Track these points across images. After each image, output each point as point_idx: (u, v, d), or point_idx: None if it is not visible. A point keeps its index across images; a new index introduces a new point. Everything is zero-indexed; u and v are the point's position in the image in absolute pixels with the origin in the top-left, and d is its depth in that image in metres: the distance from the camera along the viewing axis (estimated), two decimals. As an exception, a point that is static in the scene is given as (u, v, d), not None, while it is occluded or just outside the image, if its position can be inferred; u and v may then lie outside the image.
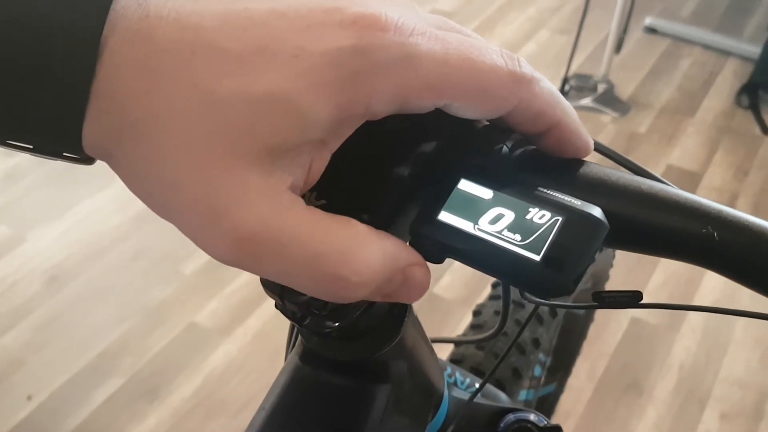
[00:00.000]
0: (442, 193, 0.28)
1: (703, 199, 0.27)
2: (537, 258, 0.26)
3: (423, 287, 0.28)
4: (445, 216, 0.27)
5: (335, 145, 0.26)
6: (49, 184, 1.85)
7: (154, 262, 1.66)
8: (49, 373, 1.44)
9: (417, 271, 0.27)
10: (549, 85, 0.28)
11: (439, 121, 0.27)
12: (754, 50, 2.29)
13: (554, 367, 1.00)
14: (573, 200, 0.27)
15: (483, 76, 0.25)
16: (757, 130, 2.11)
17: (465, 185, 0.28)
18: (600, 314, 1.18)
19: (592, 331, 1.18)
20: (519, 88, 0.26)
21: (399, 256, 0.27)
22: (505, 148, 0.29)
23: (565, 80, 2.13)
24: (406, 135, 0.29)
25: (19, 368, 1.45)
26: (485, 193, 0.27)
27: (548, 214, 0.26)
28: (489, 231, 0.27)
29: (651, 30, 2.50)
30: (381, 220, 0.28)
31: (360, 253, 0.25)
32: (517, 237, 0.26)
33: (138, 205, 0.27)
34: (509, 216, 0.27)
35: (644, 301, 0.35)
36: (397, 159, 0.29)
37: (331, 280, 0.25)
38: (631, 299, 0.34)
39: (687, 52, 2.42)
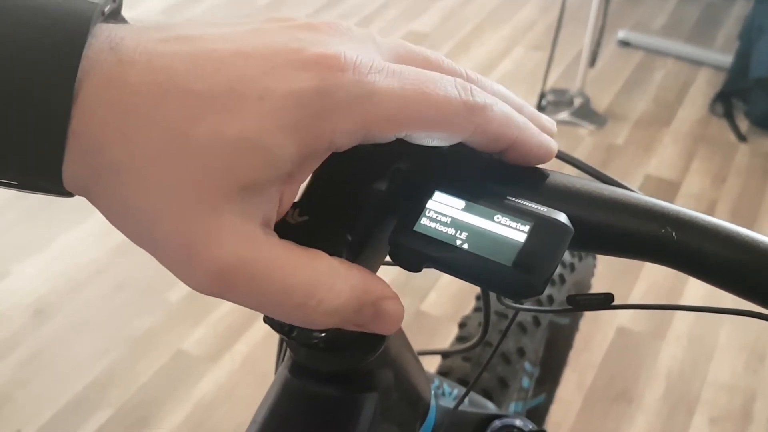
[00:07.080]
0: (418, 205, 0.29)
1: (662, 201, 0.29)
2: (508, 263, 0.27)
3: (396, 319, 0.29)
4: (421, 227, 0.29)
5: (303, 177, 0.27)
6: (29, 218, 1.84)
7: (138, 292, 1.65)
8: (36, 407, 1.43)
9: (388, 304, 0.28)
10: (502, 107, 0.29)
11: (409, 143, 0.29)
12: (726, 59, 2.33)
13: (542, 379, 1.00)
14: (540, 207, 0.28)
15: (439, 108, 0.27)
16: (732, 137, 2.14)
17: (439, 197, 0.29)
18: (586, 325, 1.19)
19: (579, 342, 1.19)
20: (473, 115, 0.28)
21: (368, 289, 0.28)
22: (475, 162, 0.30)
23: (542, 95, 2.16)
24: (382, 154, 0.30)
25: (6, 403, 1.44)
26: (458, 203, 0.29)
27: (517, 222, 0.28)
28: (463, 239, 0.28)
29: (624, 43, 2.54)
30: (361, 233, 0.29)
31: (327, 285, 0.26)
32: None
33: (118, 237, 0.28)
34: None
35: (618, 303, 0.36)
36: (374, 175, 0.30)
37: (299, 309, 0.26)
38: (604, 300, 0.36)
39: (660, 64, 2.46)
